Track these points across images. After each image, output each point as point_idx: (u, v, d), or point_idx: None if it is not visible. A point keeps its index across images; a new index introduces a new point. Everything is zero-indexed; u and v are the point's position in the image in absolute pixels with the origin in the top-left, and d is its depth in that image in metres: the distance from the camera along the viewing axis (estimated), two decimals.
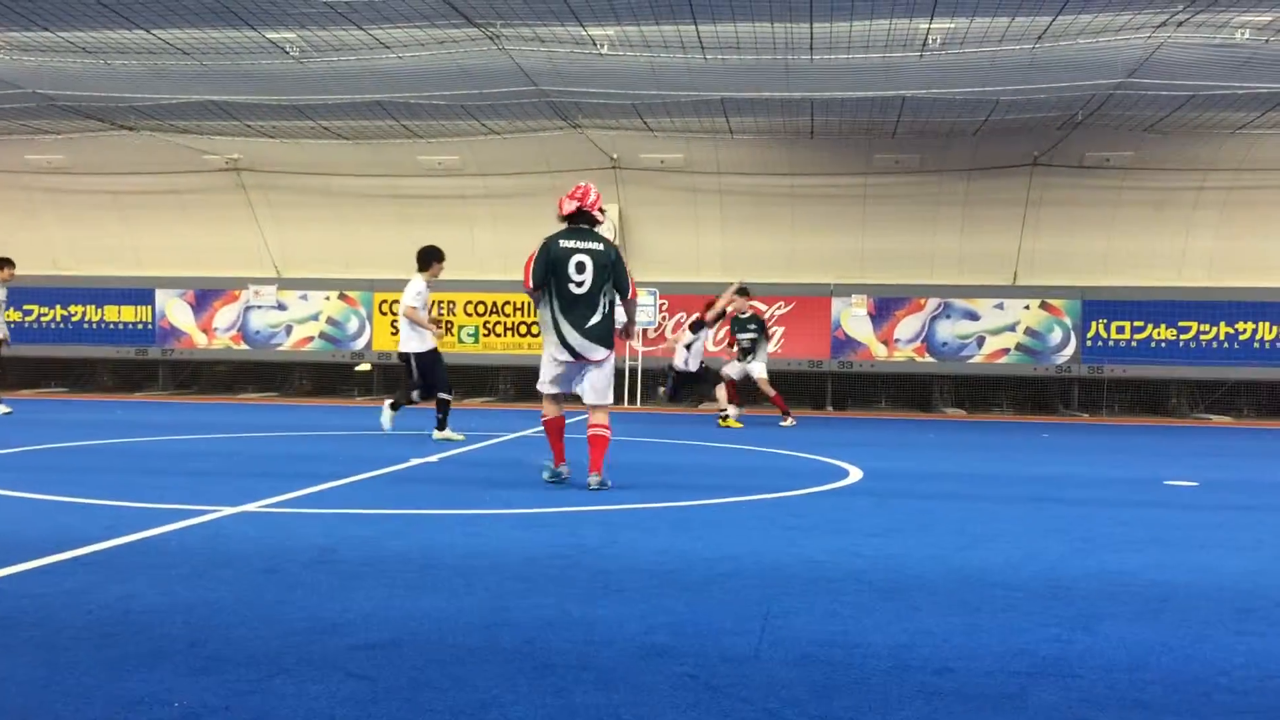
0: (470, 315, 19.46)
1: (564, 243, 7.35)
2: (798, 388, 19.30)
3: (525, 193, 18.62)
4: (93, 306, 20.07)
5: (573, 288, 7.31)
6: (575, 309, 7.34)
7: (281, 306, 19.78)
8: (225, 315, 19.93)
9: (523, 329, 19.45)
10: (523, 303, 19.56)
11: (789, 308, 19.05)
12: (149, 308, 20.07)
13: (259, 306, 19.80)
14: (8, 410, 13.80)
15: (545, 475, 7.80)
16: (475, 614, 3.99)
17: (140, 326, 20.05)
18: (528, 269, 7.35)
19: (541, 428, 7.96)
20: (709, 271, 19.19)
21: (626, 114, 16.16)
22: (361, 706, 2.95)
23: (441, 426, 11.21)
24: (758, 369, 14.99)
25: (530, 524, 6.17)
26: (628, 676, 3.27)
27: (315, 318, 19.71)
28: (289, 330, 19.74)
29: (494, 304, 19.39)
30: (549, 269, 7.32)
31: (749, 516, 6.61)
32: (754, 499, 7.34)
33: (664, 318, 18.87)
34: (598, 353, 7.45)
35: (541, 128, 17.09)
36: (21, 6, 11.15)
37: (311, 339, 19.67)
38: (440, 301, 19.12)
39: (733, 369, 15.08)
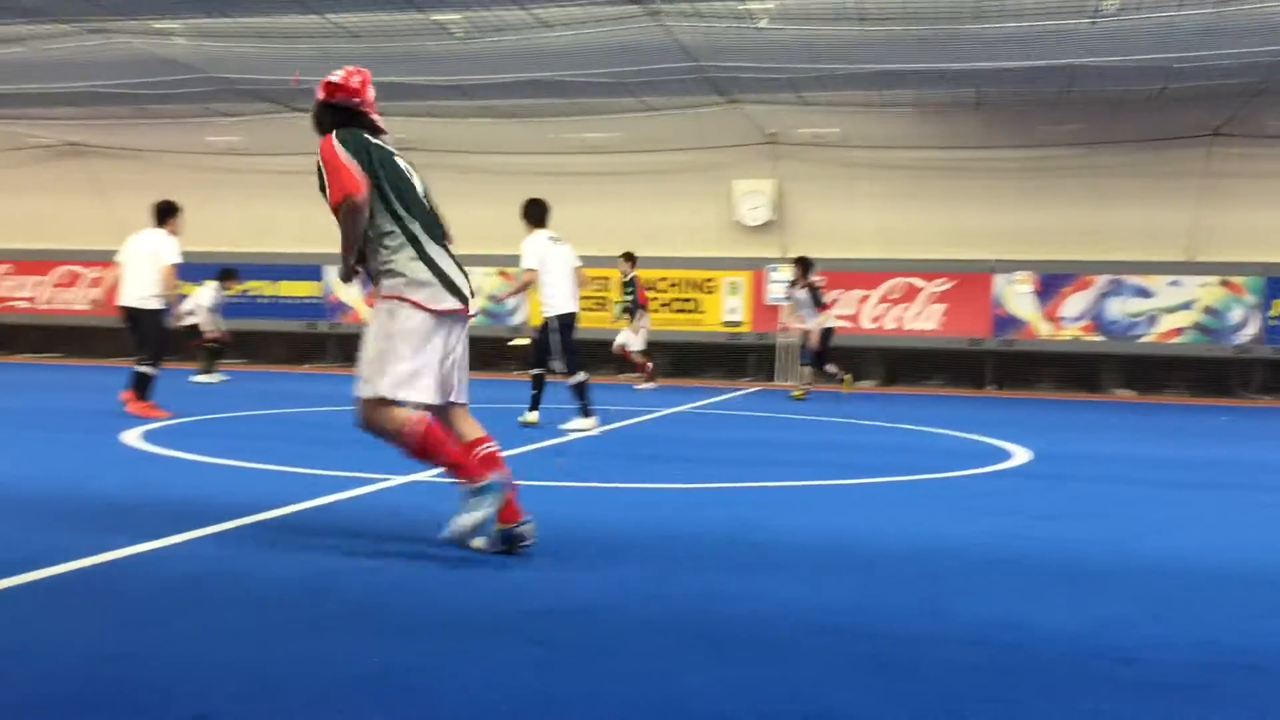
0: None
1: (378, 140, 4.67)
2: (956, 366, 18.89)
3: (681, 170, 18.64)
4: (267, 282, 20.95)
5: (424, 200, 4.75)
6: (434, 231, 4.72)
7: None
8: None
9: (675, 304, 19.51)
10: (679, 279, 19.60)
11: (949, 285, 18.63)
12: (318, 283, 20.85)
13: None
14: (224, 379, 15.31)
15: (481, 544, 4.53)
16: (646, 586, 4.05)
17: (310, 301, 20.86)
18: (342, 172, 4.45)
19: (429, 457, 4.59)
20: (866, 248, 18.91)
21: (782, 88, 16.01)
22: (541, 671, 3.03)
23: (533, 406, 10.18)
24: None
25: (690, 500, 6.22)
26: (803, 653, 3.27)
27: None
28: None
29: (648, 281, 19.51)
30: (380, 173, 4.54)
31: (912, 496, 6.52)
32: (915, 479, 7.23)
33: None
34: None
35: (699, 104, 17.06)
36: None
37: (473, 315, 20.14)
38: (596, 278, 19.34)
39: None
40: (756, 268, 19.32)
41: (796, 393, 15.21)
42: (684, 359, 19.69)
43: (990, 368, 18.94)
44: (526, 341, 19.59)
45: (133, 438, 8.20)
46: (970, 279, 18.56)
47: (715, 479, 6.95)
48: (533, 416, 10.00)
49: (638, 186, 19.36)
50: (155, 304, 10.00)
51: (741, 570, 4.35)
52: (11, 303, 21.95)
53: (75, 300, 21.36)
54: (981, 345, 18.66)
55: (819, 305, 15.24)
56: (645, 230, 19.24)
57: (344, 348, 21.29)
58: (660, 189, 19.17)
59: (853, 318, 18.89)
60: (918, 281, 18.80)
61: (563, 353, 9.75)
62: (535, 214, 9.86)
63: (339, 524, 5.16)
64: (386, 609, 3.65)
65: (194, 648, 3.18)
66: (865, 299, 19.07)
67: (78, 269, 21.59)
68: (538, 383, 10.08)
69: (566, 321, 9.77)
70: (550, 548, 4.64)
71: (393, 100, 16.72)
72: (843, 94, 16.37)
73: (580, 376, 9.83)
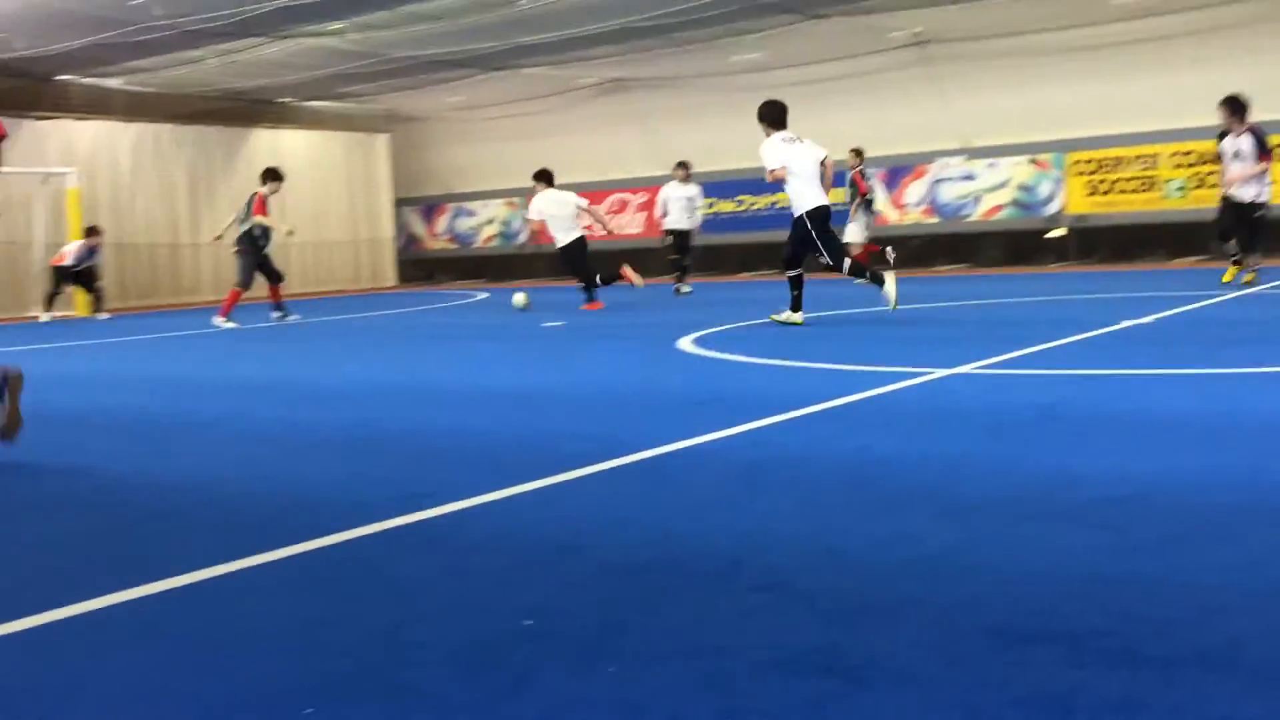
0: (1178, 168, 17.87)
1: None
2: None
3: (1251, 21, 16.51)
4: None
5: None
6: None
7: (969, 177, 19.69)
8: (915, 190, 20.30)
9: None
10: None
11: None
12: (842, 190, 21.04)
13: (947, 179, 19.90)
14: (688, 290, 15.97)
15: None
16: (1231, 472, 3.70)
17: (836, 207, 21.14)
18: None
19: None
20: None
21: None
22: (1116, 557, 2.87)
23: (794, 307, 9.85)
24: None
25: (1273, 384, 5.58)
26: None
27: (1004, 185, 19.36)
28: (978, 200, 19.62)
29: (1202, 155, 17.60)
30: None
31: None
32: None
33: None
34: None
35: None
36: None
37: (1002, 207, 19.38)
38: (1143, 156, 17.82)
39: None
40: None
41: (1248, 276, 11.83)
42: None
43: None
44: (1064, 232, 18.61)
45: (686, 344, 8.83)
46: None
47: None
48: (795, 317, 9.78)
49: (1182, 50, 17.39)
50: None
51: None
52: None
53: (627, 225, 23.27)
54: None
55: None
56: (1189, 99, 17.29)
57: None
58: (1210, 52, 17.08)
59: None
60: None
61: (823, 247, 9.83)
62: (772, 115, 10.07)
63: (884, 414, 5.22)
64: (939, 493, 3.64)
65: (760, 525, 3.37)
66: None
67: (627, 196, 23.46)
68: (796, 283, 9.94)
69: (817, 215, 9.79)
70: (1112, 434, 4.37)
71: None
72: None
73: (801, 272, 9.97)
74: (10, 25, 14.92)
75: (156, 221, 20.60)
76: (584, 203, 14.48)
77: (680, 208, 16.41)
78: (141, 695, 2.27)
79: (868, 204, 16.70)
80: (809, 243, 9.92)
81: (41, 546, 3.58)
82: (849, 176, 16.55)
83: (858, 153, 16.55)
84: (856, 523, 3.34)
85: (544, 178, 14.52)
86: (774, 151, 9.91)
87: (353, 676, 2.29)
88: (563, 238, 14.11)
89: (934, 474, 3.92)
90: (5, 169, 13.83)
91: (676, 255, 16.61)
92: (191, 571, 3.07)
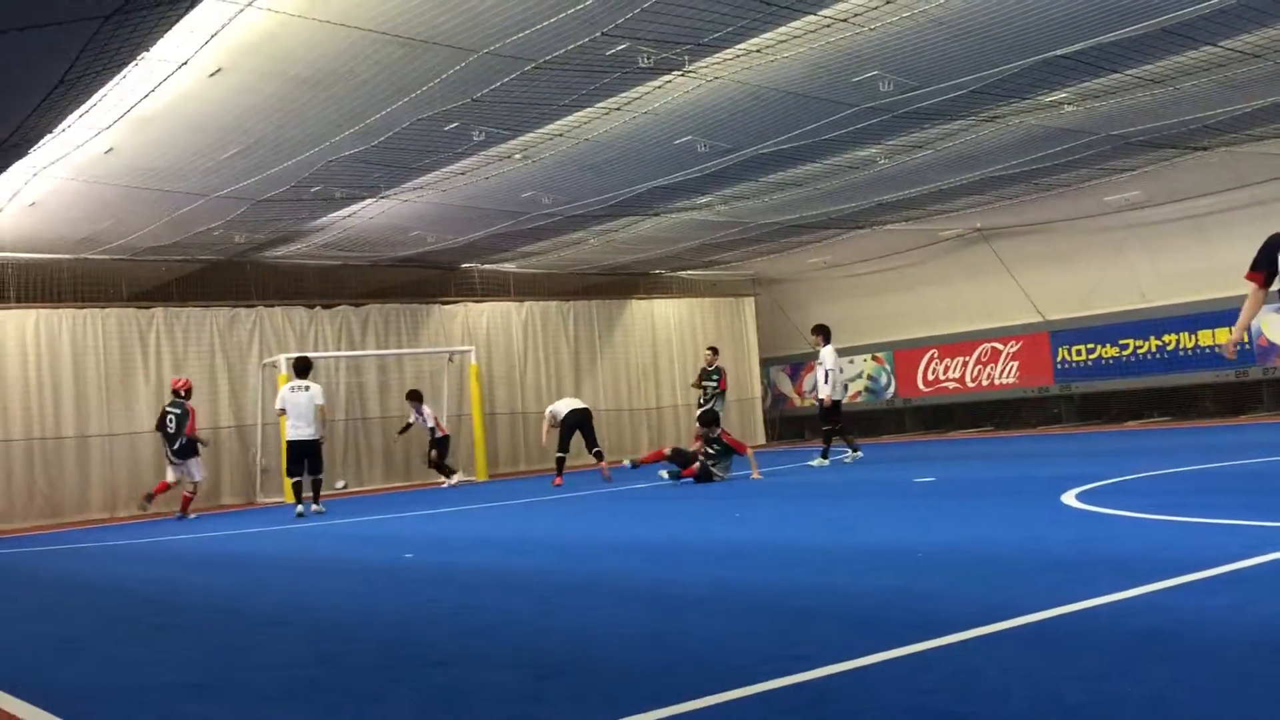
0: None
1: None
2: None
3: None
4: (1185, 334, 20.09)
5: None
6: None
7: None
8: None
9: None
10: None
11: None
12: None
13: None
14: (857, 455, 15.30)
15: None
16: None
17: (1241, 347, 19.46)
18: None
19: None
20: None
21: None
22: None
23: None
24: None
25: None
26: None
27: None
28: None
29: None
30: None
31: None
32: None
33: None
34: None
35: None
36: (1098, 58, 11.73)
37: None
38: None
39: None
40: None
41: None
42: None
43: None
44: None
45: (1070, 499, 8.35)
46: None
47: None
48: None
49: None
50: None
51: None
52: (943, 383, 23.89)
53: (999, 375, 22.56)
54: None
55: None
56: None
57: (1278, 393, 19.51)
58: None
59: None
60: None
61: None
62: None
63: None
64: None
65: (1161, 696, 3.10)
66: None
67: (998, 345, 22.79)
68: None
69: None
70: None
71: None
72: None
73: None
74: (424, 224, 16.89)
75: (544, 390, 22.17)
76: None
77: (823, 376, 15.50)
78: None
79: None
80: None
81: (432, 696, 3.86)
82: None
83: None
84: (1255, 701, 3.01)
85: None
86: None
87: None
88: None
89: None
90: (419, 350, 15.10)
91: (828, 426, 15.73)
92: None
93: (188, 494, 15.73)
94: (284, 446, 15.06)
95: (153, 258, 17.36)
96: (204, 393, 18.08)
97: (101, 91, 9.34)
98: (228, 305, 18.70)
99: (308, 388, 14.21)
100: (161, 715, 4.02)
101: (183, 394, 15.76)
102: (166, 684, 4.52)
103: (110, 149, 11.40)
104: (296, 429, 14.05)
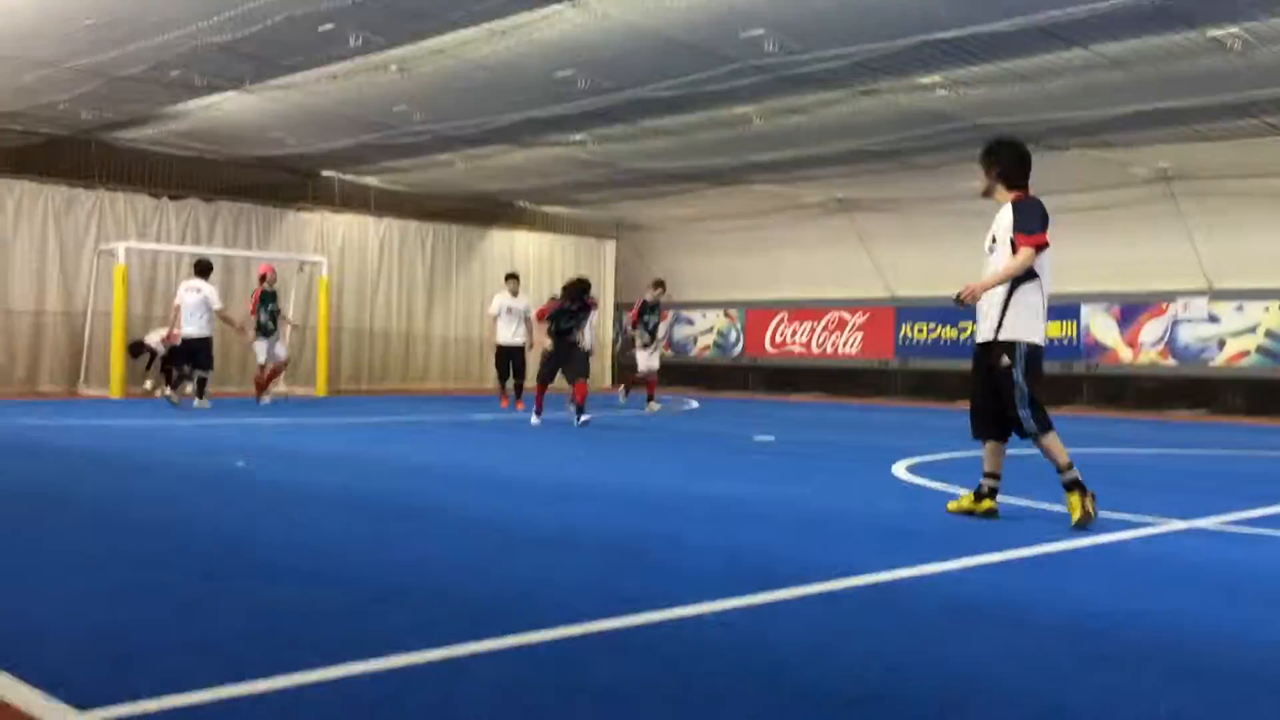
0: None
1: None
2: None
3: None
4: None
5: None
6: None
7: (1213, 319, 18.75)
8: (1152, 329, 19.47)
9: None
10: None
11: None
12: (1074, 322, 20.38)
13: (1188, 320, 19.01)
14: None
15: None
16: None
17: (1066, 341, 20.46)
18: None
19: None
20: None
21: None
22: None
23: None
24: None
25: None
26: None
27: (1252, 330, 18.33)
28: (1221, 344, 18.63)
29: None
30: None
31: None
32: None
33: None
34: None
35: None
36: (976, 47, 12.04)
37: (1247, 353, 18.33)
38: None
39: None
40: None
41: None
42: None
43: None
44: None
45: (900, 470, 8.66)
46: None
47: None
48: None
49: None
50: None
51: None
52: (790, 347, 24.41)
53: (844, 344, 23.17)
54: None
55: None
56: None
57: (1101, 389, 20.56)
58: None
59: None
60: None
61: None
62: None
63: (1102, 565, 4.97)
64: (1165, 651, 3.44)
65: (968, 669, 3.26)
66: None
67: (846, 315, 23.37)
68: None
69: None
70: None
71: (1152, 129, 15.86)
72: None
73: None
74: (285, 126, 16.29)
75: (395, 310, 21.78)
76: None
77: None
78: None
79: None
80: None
81: (261, 612, 3.79)
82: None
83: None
84: (1073, 676, 3.19)
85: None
86: None
87: None
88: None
89: (1161, 634, 3.71)
90: (267, 254, 14.67)
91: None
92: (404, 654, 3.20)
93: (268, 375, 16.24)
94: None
95: None
96: (31, 274, 17.19)
97: None
98: (65, 184, 17.73)
99: (199, 289, 14.88)
100: None
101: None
102: None
103: None
104: (186, 326, 14.83)
